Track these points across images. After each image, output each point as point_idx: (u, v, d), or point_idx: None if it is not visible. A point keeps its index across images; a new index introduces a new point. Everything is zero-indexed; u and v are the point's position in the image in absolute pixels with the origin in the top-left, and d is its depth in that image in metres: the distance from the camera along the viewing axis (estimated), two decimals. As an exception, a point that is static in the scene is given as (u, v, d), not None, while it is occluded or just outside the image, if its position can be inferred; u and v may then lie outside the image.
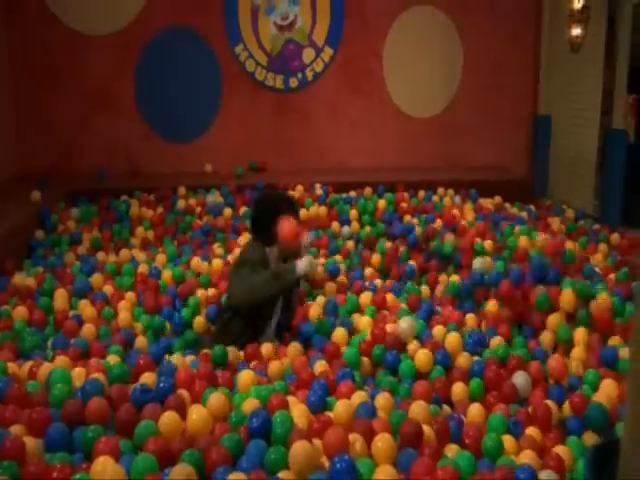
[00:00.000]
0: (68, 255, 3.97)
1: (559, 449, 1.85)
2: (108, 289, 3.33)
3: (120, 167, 5.57)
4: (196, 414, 1.80)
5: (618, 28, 5.21)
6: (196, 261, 3.70)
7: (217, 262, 3.72)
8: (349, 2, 5.75)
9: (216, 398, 1.89)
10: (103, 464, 1.61)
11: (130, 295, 3.28)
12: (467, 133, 6.08)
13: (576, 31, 5.62)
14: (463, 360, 2.41)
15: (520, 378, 2.30)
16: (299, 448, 1.61)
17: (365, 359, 2.51)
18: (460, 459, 1.69)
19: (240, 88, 5.77)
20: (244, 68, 5.75)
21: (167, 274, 3.52)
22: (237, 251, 3.81)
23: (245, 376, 2.14)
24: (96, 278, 3.45)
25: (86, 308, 3.10)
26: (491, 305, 3.03)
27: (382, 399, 2.02)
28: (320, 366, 2.35)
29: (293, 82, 5.83)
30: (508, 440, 1.88)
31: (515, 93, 6.10)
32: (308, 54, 5.79)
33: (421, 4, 5.83)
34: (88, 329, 2.84)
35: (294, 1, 5.66)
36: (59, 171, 5.49)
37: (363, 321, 2.87)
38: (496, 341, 2.60)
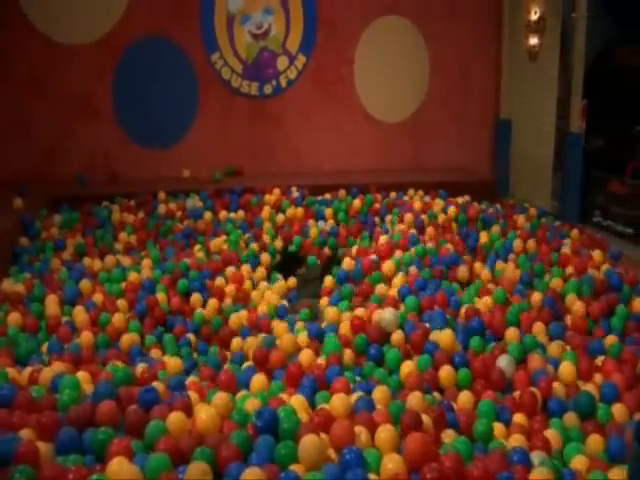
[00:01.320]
0: (53, 261, 4.06)
1: (547, 433, 2.07)
2: (98, 296, 3.46)
3: (99, 173, 5.67)
4: (205, 413, 1.94)
5: (574, 37, 5.53)
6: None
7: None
8: (321, 12, 5.94)
9: (221, 398, 2.07)
10: (118, 464, 1.71)
11: (122, 302, 3.42)
12: (434, 136, 6.34)
13: (533, 40, 5.94)
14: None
15: (504, 361, 2.48)
16: (308, 442, 1.75)
17: (347, 350, 2.66)
18: (458, 444, 1.89)
19: (216, 95, 5.92)
20: (220, 75, 5.89)
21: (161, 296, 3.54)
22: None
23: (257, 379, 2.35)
24: (85, 284, 3.57)
25: (79, 314, 3.23)
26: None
27: (379, 392, 2.19)
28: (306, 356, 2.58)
29: (267, 89, 6.00)
30: (497, 426, 2.10)
31: (478, 98, 6.38)
32: (282, 62, 5.97)
33: (390, 14, 6.06)
34: (85, 336, 2.98)
35: (268, 10, 5.83)
36: (39, 178, 5.55)
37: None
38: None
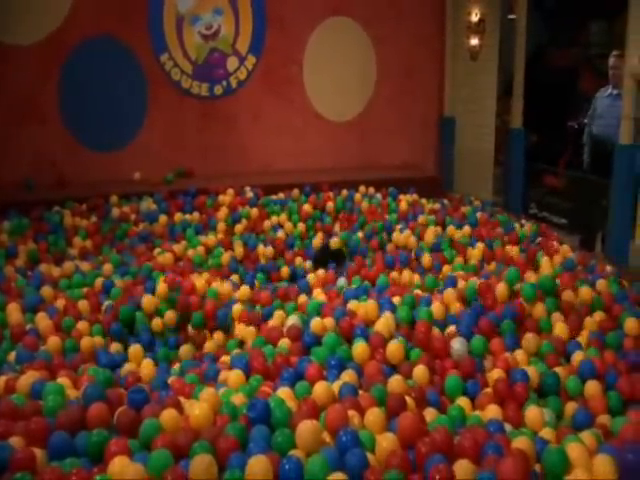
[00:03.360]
0: (7, 269, 3.95)
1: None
2: (60, 302, 3.40)
3: (46, 178, 5.49)
4: (198, 409, 1.99)
5: (514, 38, 5.84)
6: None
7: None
8: (270, 13, 5.99)
9: (209, 394, 2.12)
10: (120, 464, 1.71)
11: (83, 304, 3.38)
12: (382, 134, 6.51)
13: (474, 41, 6.23)
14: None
15: (458, 344, 2.53)
16: (304, 427, 1.81)
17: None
18: (440, 421, 2.02)
19: (166, 96, 5.86)
20: (169, 76, 5.84)
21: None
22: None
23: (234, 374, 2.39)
24: (47, 291, 3.51)
25: (42, 321, 3.18)
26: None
27: (348, 376, 2.30)
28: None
29: (218, 90, 6.00)
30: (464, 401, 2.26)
31: (423, 97, 6.61)
32: (232, 62, 5.98)
33: (337, 15, 6.18)
34: (53, 341, 2.94)
35: (217, 11, 5.83)
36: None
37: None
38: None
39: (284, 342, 2.77)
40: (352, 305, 3.03)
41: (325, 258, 4.50)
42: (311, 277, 3.91)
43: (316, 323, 2.83)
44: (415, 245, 4.52)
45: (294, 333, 2.79)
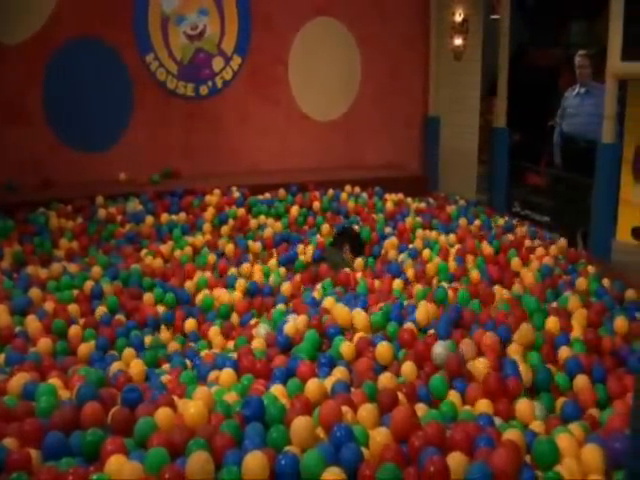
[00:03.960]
0: (-7, 271, 3.93)
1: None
2: (49, 304, 3.39)
3: (30, 179, 5.44)
4: (193, 407, 2.01)
5: (497, 38, 5.91)
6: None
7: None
8: (255, 13, 6.00)
9: (203, 392, 2.13)
10: (117, 463, 1.73)
11: (74, 307, 3.37)
12: (367, 134, 6.55)
13: (458, 41, 6.29)
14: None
15: (439, 348, 2.51)
16: (298, 424, 1.85)
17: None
18: (431, 416, 2.05)
19: (151, 97, 5.83)
20: (155, 77, 5.82)
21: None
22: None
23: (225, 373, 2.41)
24: (35, 292, 3.50)
25: (32, 323, 3.17)
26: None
27: (339, 373, 2.35)
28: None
29: (203, 90, 5.99)
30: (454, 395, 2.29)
31: (408, 96, 6.65)
32: (217, 63, 5.97)
33: (323, 15, 6.21)
34: (44, 343, 2.93)
35: (203, 11, 5.82)
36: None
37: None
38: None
39: (259, 344, 2.80)
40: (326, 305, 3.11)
41: (347, 241, 4.45)
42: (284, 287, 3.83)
43: (289, 326, 2.87)
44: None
45: (269, 339, 2.83)
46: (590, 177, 4.57)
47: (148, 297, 3.62)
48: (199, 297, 3.67)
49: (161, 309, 3.52)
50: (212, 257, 4.36)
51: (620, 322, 2.84)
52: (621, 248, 4.35)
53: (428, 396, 2.29)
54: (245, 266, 4.14)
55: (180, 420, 2.02)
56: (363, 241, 4.59)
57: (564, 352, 2.63)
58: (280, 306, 3.47)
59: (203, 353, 3.03)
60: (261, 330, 2.95)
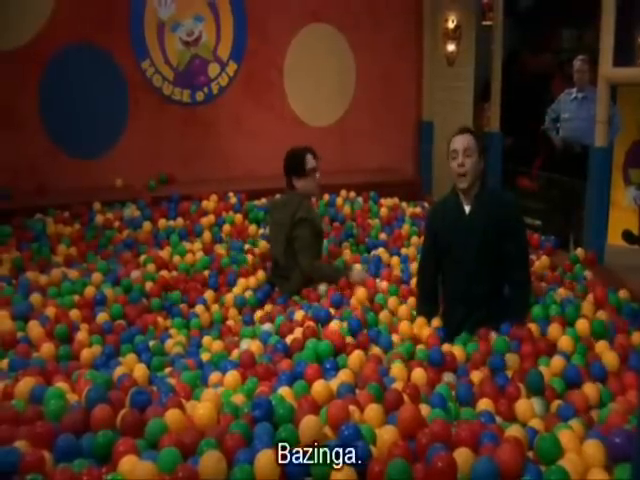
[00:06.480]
0: (-8, 277, 3.93)
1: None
2: (51, 310, 3.41)
3: (25, 186, 5.44)
4: (203, 408, 2.05)
5: (491, 44, 5.99)
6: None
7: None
8: (251, 20, 6.04)
9: (210, 394, 2.16)
10: (129, 463, 1.76)
11: (75, 313, 3.38)
12: (362, 139, 6.60)
13: (450, 47, 6.37)
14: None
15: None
16: (307, 423, 1.88)
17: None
18: (435, 414, 2.09)
19: (147, 103, 5.86)
20: (151, 83, 5.85)
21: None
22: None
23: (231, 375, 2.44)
24: (36, 298, 3.51)
25: (34, 329, 3.18)
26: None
27: (345, 375, 2.41)
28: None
29: (199, 96, 6.02)
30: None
31: (402, 102, 6.72)
32: (213, 69, 6.01)
33: (317, 22, 6.26)
34: (47, 348, 2.95)
35: (199, 18, 5.86)
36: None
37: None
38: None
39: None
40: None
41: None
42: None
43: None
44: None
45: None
46: (584, 180, 4.62)
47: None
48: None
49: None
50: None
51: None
52: (612, 251, 4.41)
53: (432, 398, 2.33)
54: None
55: (190, 421, 2.05)
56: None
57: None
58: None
59: (205, 356, 3.05)
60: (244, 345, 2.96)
